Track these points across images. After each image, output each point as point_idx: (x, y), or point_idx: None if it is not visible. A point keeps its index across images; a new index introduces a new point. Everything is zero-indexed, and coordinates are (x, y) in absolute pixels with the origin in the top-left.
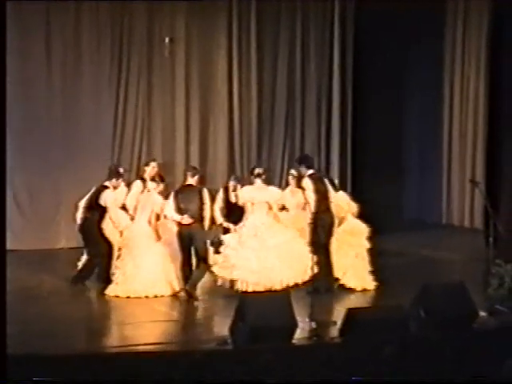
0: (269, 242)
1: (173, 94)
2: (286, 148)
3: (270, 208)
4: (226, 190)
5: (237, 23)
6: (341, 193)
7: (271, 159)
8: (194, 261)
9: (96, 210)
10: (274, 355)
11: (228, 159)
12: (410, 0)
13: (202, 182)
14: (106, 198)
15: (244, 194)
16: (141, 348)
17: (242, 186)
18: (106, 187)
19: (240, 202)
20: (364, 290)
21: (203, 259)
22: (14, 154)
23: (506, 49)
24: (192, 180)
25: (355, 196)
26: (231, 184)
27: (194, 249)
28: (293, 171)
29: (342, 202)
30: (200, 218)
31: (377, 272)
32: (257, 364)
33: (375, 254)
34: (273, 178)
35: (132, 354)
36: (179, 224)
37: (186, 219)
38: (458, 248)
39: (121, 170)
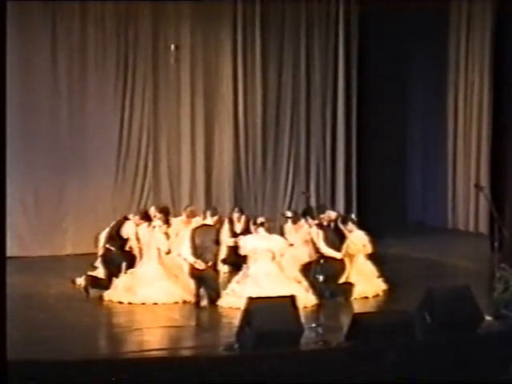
0: (271, 293)
1: (178, 101)
2: (290, 154)
3: (274, 257)
4: (231, 221)
5: (241, 30)
6: (359, 232)
7: (276, 165)
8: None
9: (116, 241)
10: (280, 361)
11: (233, 165)
12: (414, 5)
13: (220, 222)
14: (128, 230)
15: (247, 244)
16: (147, 354)
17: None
18: (128, 219)
19: (242, 253)
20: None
21: (211, 301)
22: (20, 161)
23: (509, 52)
24: (210, 220)
25: (360, 201)
26: (235, 215)
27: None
28: (288, 213)
29: (357, 242)
30: (214, 261)
31: (383, 276)
32: (263, 369)
33: (380, 259)
34: (278, 185)
35: (138, 359)
36: (192, 265)
37: (200, 264)
38: (463, 252)
39: (151, 214)
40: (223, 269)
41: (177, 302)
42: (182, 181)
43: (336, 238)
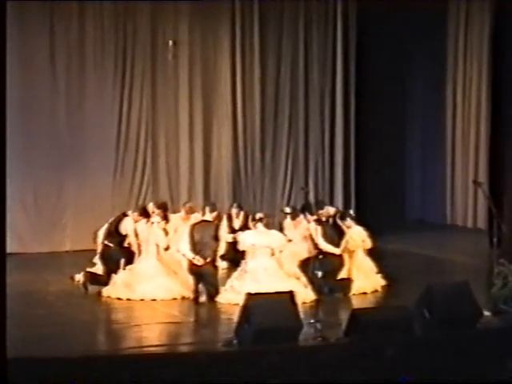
0: (269, 289)
1: (176, 97)
2: (289, 150)
3: (272, 253)
4: (230, 217)
5: (240, 26)
6: (358, 228)
7: (275, 161)
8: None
9: (114, 238)
10: (279, 356)
11: (232, 161)
12: (412, 4)
13: (219, 218)
14: (127, 226)
15: (245, 240)
16: (146, 350)
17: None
18: (126, 215)
19: (241, 248)
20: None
21: (210, 297)
22: (20, 158)
23: (508, 49)
24: (209, 216)
25: (359, 197)
26: (234, 211)
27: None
28: (287, 209)
29: (356, 237)
30: (213, 257)
31: (382, 272)
32: (262, 365)
33: (379, 255)
34: (276, 181)
35: (137, 355)
36: (191, 261)
37: (198, 260)
38: (462, 248)
39: (149, 210)
40: (222, 265)
41: (175, 298)
42: (180, 177)
43: (334, 233)
